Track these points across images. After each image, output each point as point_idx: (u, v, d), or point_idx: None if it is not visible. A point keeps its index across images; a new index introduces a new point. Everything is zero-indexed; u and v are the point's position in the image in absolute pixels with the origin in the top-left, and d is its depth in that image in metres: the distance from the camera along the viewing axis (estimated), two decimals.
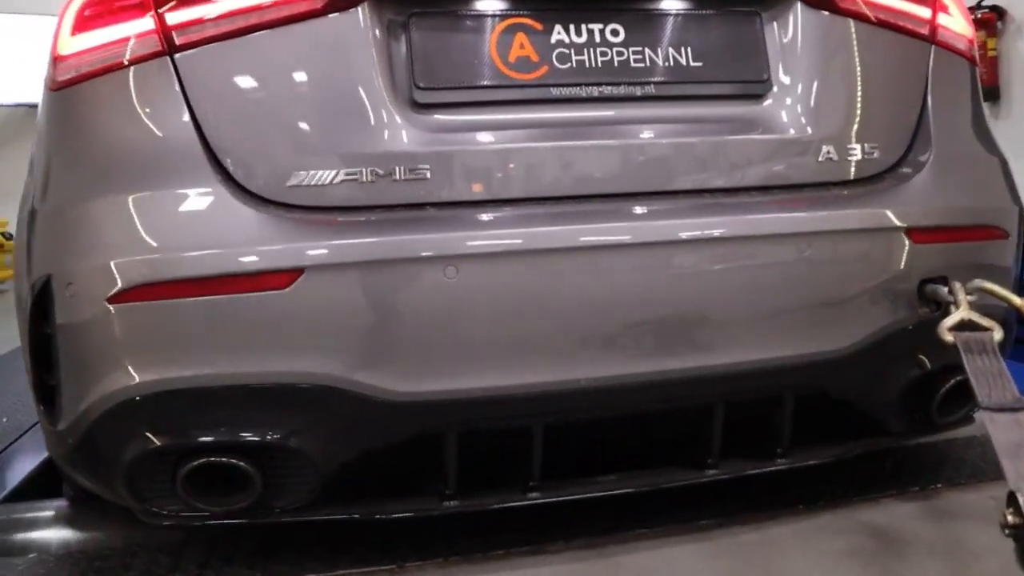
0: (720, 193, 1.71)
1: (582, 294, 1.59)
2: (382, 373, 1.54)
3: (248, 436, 1.55)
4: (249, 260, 1.50)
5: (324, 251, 1.51)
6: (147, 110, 1.57)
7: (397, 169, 1.58)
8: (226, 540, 1.82)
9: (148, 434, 1.55)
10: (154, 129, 1.57)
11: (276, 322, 1.51)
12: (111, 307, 1.49)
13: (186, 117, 1.56)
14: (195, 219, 1.54)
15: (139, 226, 1.52)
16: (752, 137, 1.75)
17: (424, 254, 1.53)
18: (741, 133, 1.75)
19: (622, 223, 1.63)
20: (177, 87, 1.57)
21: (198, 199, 1.54)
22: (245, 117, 1.59)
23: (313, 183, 1.56)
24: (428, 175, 1.59)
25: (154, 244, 1.51)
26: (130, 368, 1.51)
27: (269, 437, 1.56)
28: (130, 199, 1.53)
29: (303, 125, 1.59)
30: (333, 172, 1.57)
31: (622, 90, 1.70)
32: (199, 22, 1.58)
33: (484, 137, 1.65)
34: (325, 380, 1.53)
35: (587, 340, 1.60)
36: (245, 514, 1.61)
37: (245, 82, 1.59)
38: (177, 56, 1.57)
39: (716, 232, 1.65)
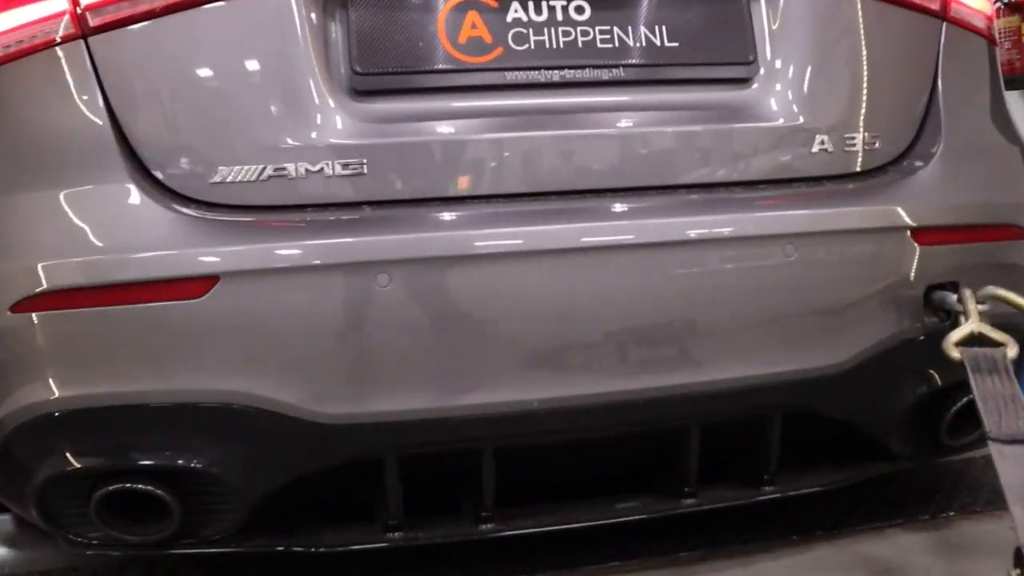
0: (698, 189, 1.52)
1: (536, 304, 1.41)
2: (309, 393, 1.38)
3: (163, 461, 1.40)
4: (161, 266, 1.35)
5: (241, 256, 1.36)
6: (57, 98, 1.42)
7: (329, 164, 1.42)
8: (168, 560, 1.70)
9: (59, 455, 1.41)
10: (62, 119, 1.41)
11: (190, 335, 1.36)
12: (12, 315, 1.35)
13: (100, 106, 1.41)
14: (104, 219, 1.39)
15: (41, 227, 1.38)
16: (735, 126, 1.56)
17: (353, 260, 1.36)
18: (723, 122, 1.56)
19: (584, 224, 1.45)
20: (91, 73, 1.41)
21: (108, 197, 1.39)
22: (165, 106, 1.43)
23: (239, 180, 1.41)
24: (365, 170, 1.42)
25: (57, 248, 1.36)
26: (35, 383, 1.37)
27: (186, 462, 1.40)
28: (33, 197, 1.39)
29: (228, 115, 1.43)
30: (260, 168, 1.41)
31: (587, 74, 1.51)
32: (115, 1, 1.43)
33: (429, 128, 1.48)
34: (246, 400, 1.37)
35: (541, 357, 1.42)
36: (167, 544, 1.46)
37: (166, 68, 1.43)
38: (92, 39, 1.42)
39: (692, 233, 1.47)
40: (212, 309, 1.34)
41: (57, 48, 1.42)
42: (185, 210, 1.39)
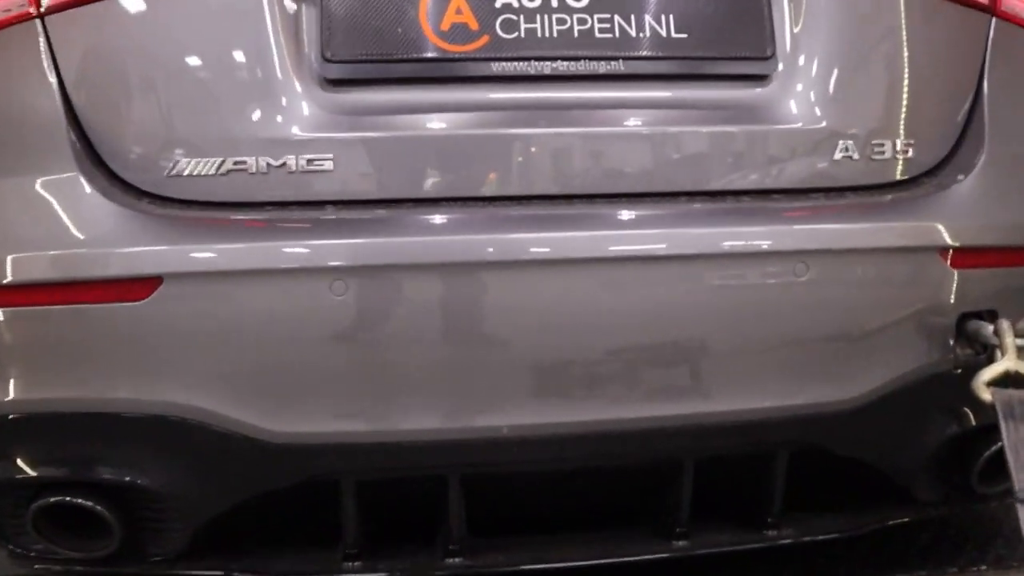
0: (702, 198, 1.36)
1: (509, 322, 1.28)
2: (258, 409, 1.26)
3: (101, 474, 1.30)
4: (101, 264, 1.25)
5: (188, 257, 1.24)
6: (8, 79, 1.33)
7: (293, 159, 1.30)
8: None
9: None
10: (13, 101, 1.32)
11: (131, 340, 1.25)
12: None
13: (54, 90, 1.31)
14: (48, 212, 1.28)
15: None
16: (748, 128, 1.40)
17: (309, 265, 1.24)
18: (735, 123, 1.40)
19: (569, 233, 1.30)
20: (46, 54, 1.32)
21: (56, 187, 1.29)
22: (122, 92, 1.33)
23: (196, 173, 1.29)
24: (331, 166, 1.30)
25: None
26: None
27: (125, 477, 1.30)
28: None
29: (188, 103, 1.32)
30: (218, 160, 1.29)
31: (583, 67, 1.36)
32: None
33: (405, 122, 1.34)
34: (189, 413, 1.26)
35: (512, 379, 1.28)
36: (110, 562, 1.36)
37: (124, 50, 1.33)
38: (48, 19, 1.32)
39: (692, 247, 1.31)
40: (155, 313, 1.23)
41: (12, 27, 1.33)
42: (137, 203, 1.29)
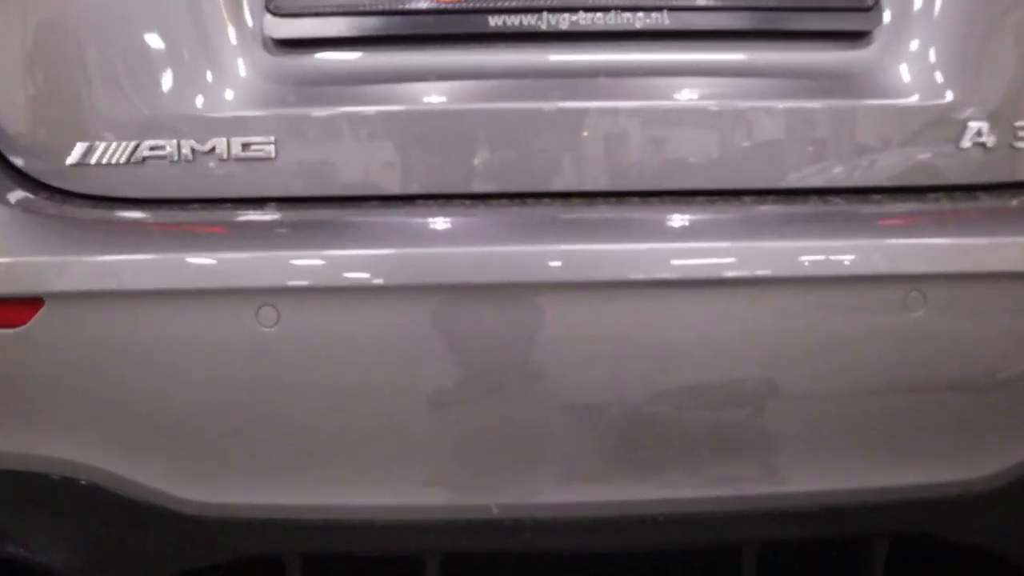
0: (776, 198, 1.00)
1: (501, 361, 0.94)
2: (168, 470, 0.96)
3: None
4: None
5: (73, 272, 0.94)
6: None
7: (223, 142, 0.98)
8: None
9: None
10: None
11: (6, 378, 0.96)
12: None
13: None
14: None
15: None
16: (843, 103, 1.02)
17: (237, 285, 0.92)
18: (824, 96, 1.02)
19: (592, 245, 0.95)
20: None
21: None
22: (11, 54, 1.03)
23: (104, 161, 1.00)
24: (272, 152, 0.98)
25: None
26: None
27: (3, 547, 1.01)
28: None
29: (95, 69, 1.02)
30: (131, 145, 0.99)
31: (611, 21, 1.01)
32: None
33: (369, 93, 1.01)
34: (79, 473, 0.96)
35: (522, 442, 0.94)
36: None
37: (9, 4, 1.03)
38: None
39: (761, 267, 0.95)
40: (34, 343, 0.94)
41: None
42: (33, 199, 1.00)
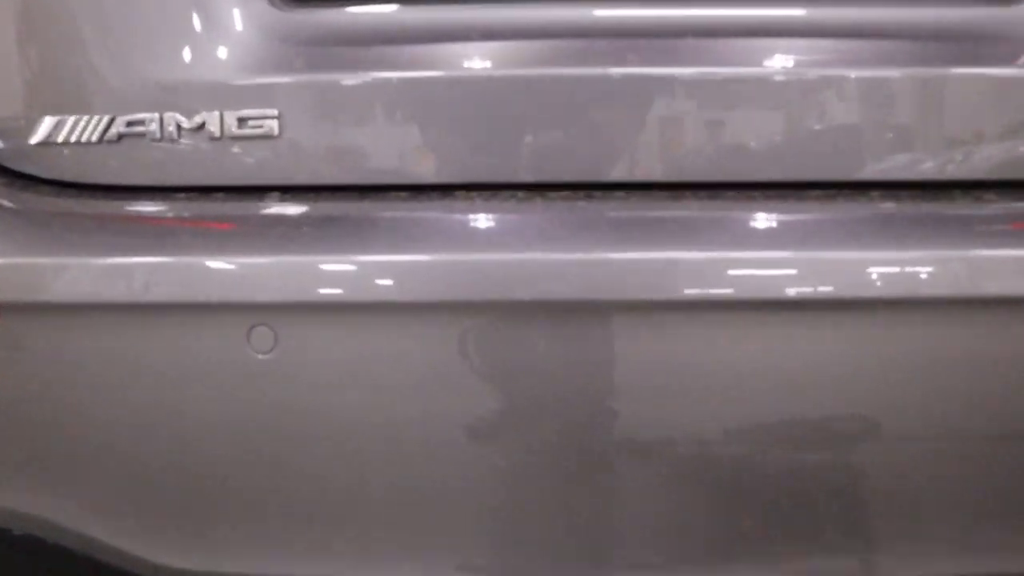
0: (912, 193, 0.79)
1: (577, 410, 0.74)
2: (150, 532, 0.78)
3: None
4: None
5: (32, 277, 0.76)
6: None
7: (215, 117, 0.79)
8: None
9: None
10: None
11: None
12: None
13: None
14: None
15: None
16: (987, 72, 0.81)
17: (215, 299, 0.73)
18: (964, 63, 0.81)
19: (679, 253, 0.75)
20: None
21: None
22: None
23: (74, 139, 0.81)
24: (275, 129, 0.79)
25: None
26: None
27: None
28: None
29: (66, 28, 0.83)
30: (104, 120, 0.80)
31: None
32: None
33: (398, 55, 0.81)
34: (42, 530, 0.78)
35: (579, 517, 0.75)
36: None
37: None
38: None
39: (912, 287, 0.74)
40: None
41: None
42: None
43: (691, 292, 0.71)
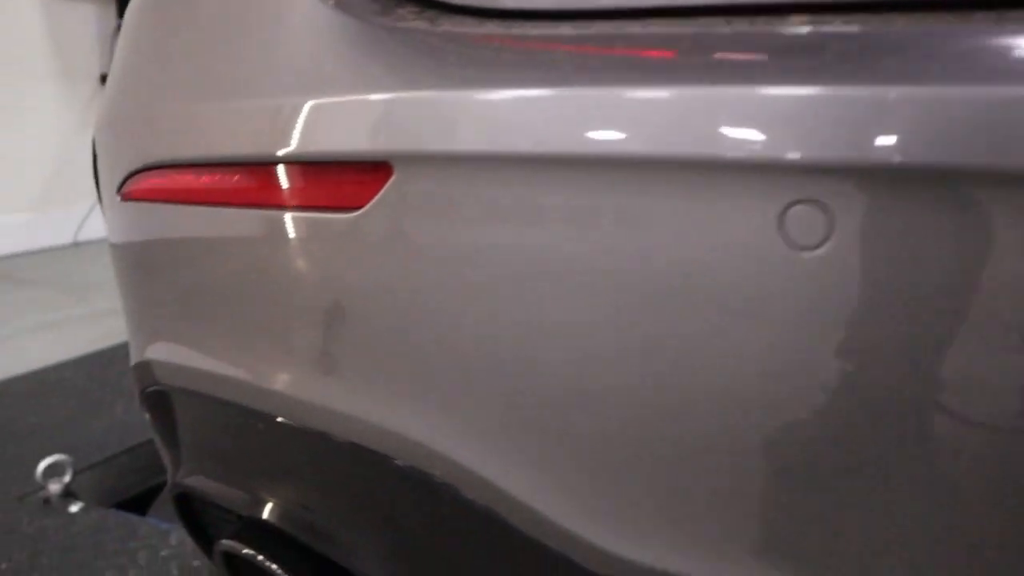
0: None
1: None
2: (583, 503, 0.55)
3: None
4: None
5: (447, 126, 0.55)
6: None
7: None
8: None
9: None
10: None
11: (336, 304, 0.60)
12: None
13: None
14: None
15: None
16: None
17: (757, 157, 0.47)
18: None
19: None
20: None
21: None
22: None
23: None
24: None
25: None
26: None
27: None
28: None
29: None
30: None
31: None
32: None
33: None
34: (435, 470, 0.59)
35: None
36: None
37: None
38: None
39: None
40: (372, 234, 0.57)
41: None
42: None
43: None
